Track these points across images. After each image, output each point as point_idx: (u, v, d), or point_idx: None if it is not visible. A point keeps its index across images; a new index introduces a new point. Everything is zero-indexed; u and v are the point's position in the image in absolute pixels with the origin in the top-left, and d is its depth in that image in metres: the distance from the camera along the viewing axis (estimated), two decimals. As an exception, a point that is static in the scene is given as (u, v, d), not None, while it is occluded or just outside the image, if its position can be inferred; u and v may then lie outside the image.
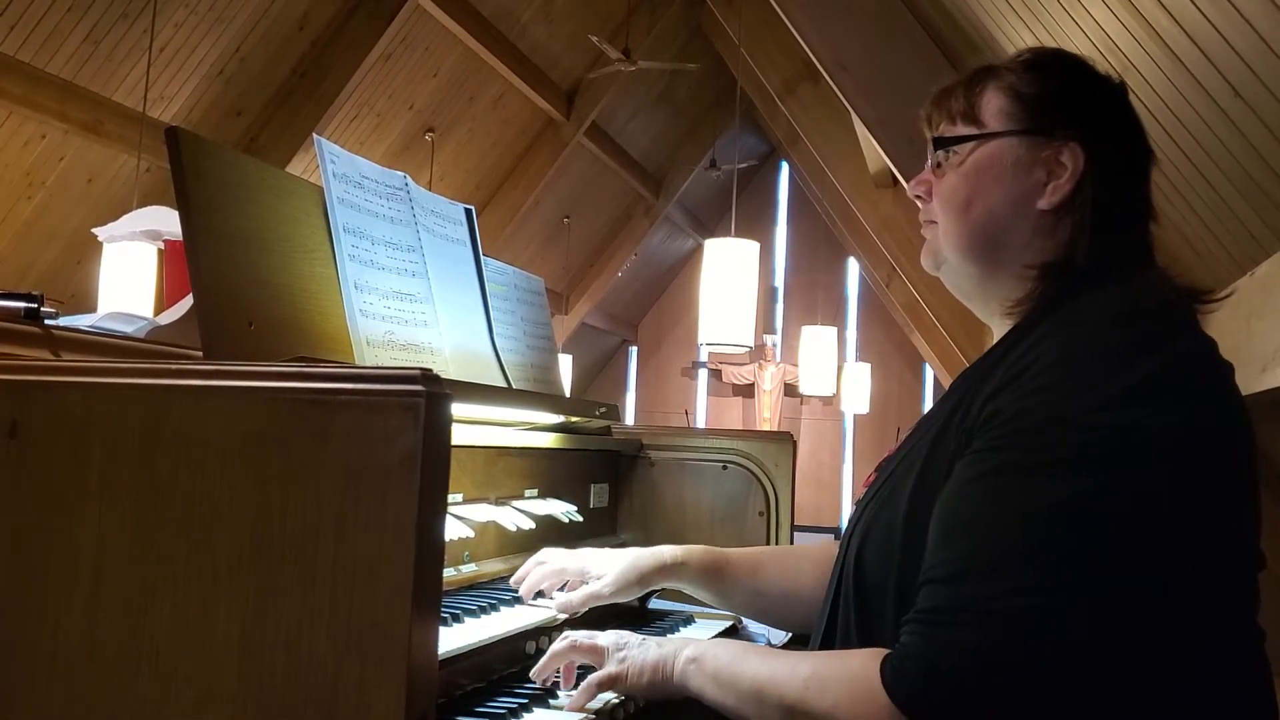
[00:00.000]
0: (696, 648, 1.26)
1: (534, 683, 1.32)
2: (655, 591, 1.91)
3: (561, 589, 1.59)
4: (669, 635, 1.72)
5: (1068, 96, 1.28)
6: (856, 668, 1.11)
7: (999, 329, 1.30)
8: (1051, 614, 1.02)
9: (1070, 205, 1.24)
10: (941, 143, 1.31)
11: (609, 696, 1.30)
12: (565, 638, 1.33)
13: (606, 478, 2.11)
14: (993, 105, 1.29)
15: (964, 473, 1.12)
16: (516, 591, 1.56)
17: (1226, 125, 2.42)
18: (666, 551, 1.61)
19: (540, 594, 1.57)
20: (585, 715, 1.25)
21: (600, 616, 1.68)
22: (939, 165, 1.32)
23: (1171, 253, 3.13)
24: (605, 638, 1.32)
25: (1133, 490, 1.04)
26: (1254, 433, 1.14)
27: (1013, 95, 1.28)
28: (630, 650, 1.29)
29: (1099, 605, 1.03)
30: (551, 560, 1.59)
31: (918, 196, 1.36)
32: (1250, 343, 2.74)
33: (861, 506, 1.31)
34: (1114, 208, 1.24)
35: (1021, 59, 1.32)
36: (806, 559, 1.63)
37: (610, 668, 1.28)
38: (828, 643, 1.29)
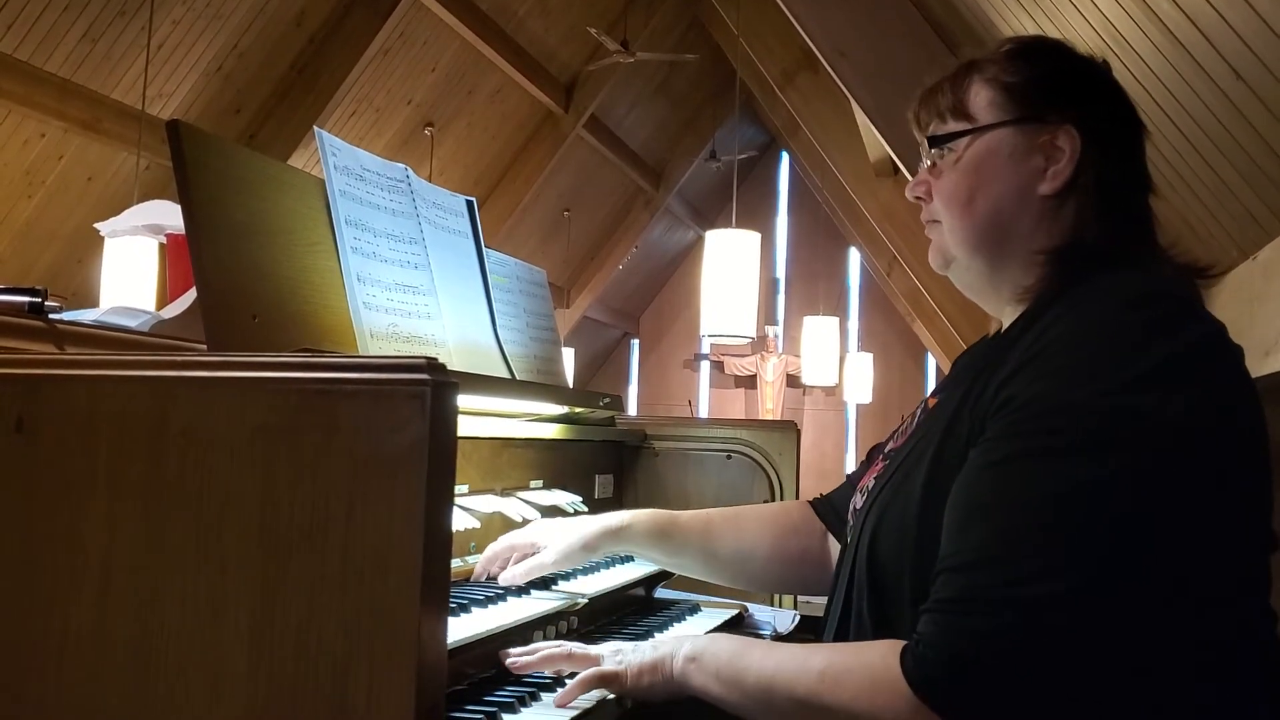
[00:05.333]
0: (694, 645, 1.24)
1: (544, 673, 1.31)
2: (660, 580, 1.92)
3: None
4: (673, 624, 1.72)
5: (1055, 81, 1.28)
6: (875, 658, 1.10)
7: (1009, 318, 1.30)
8: (1067, 598, 1.02)
9: (1072, 187, 1.24)
10: (936, 141, 1.31)
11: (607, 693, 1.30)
12: (562, 645, 1.32)
13: (611, 468, 2.11)
14: (981, 98, 1.29)
15: (978, 460, 1.11)
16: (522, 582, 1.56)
17: (1228, 108, 2.42)
18: (614, 517, 1.61)
19: (492, 577, 1.56)
20: (589, 704, 1.24)
21: (607, 605, 1.69)
22: (934, 165, 1.32)
23: (1173, 236, 3.13)
24: (600, 647, 1.31)
25: (1146, 475, 1.04)
26: (1264, 416, 1.14)
27: (1000, 86, 1.28)
28: (627, 654, 1.28)
29: (1114, 588, 1.02)
30: (501, 540, 1.59)
31: (918, 198, 1.35)
32: (1253, 327, 2.74)
33: (873, 494, 1.30)
34: (1115, 184, 1.25)
35: (1004, 49, 1.32)
36: (761, 519, 1.64)
37: (608, 666, 1.26)
38: (841, 632, 1.29)
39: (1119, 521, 1.03)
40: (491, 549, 1.58)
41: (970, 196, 1.28)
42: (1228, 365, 1.12)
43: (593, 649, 1.30)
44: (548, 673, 1.31)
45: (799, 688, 1.13)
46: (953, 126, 1.30)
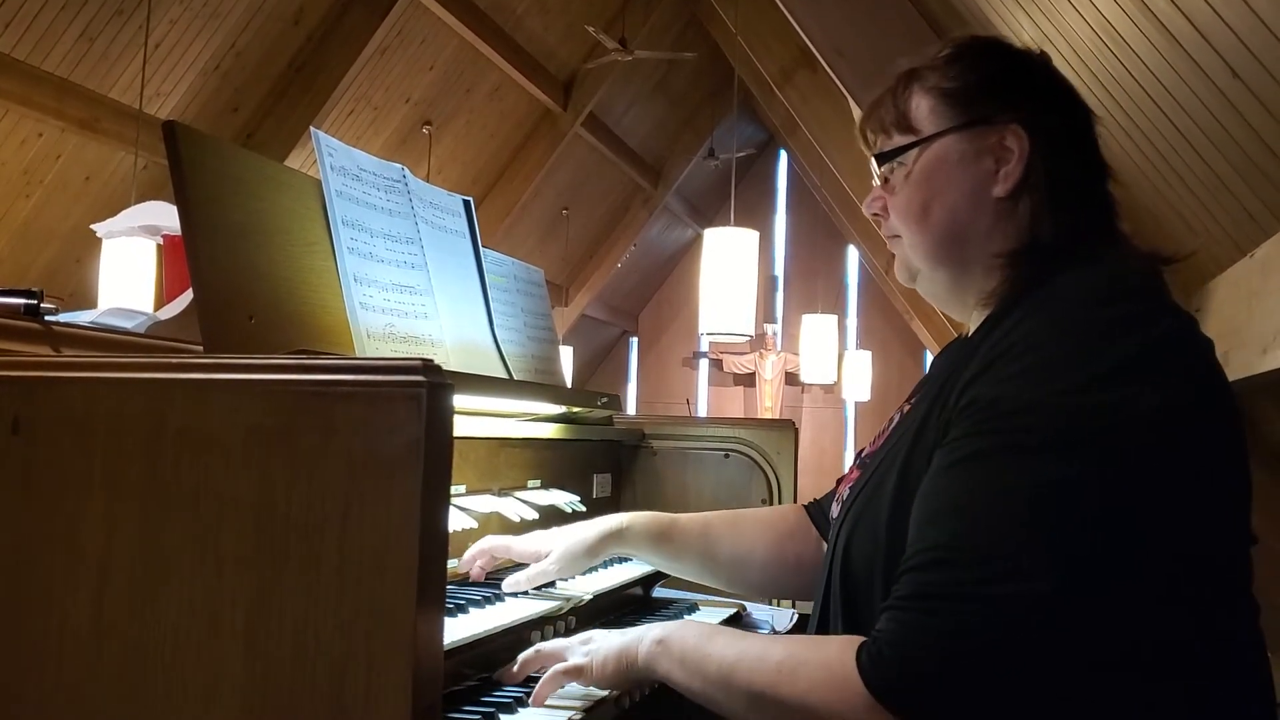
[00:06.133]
0: (663, 629, 1.23)
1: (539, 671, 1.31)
2: (657, 580, 1.92)
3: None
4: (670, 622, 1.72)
5: (995, 81, 1.27)
6: (832, 654, 1.08)
7: (976, 323, 1.28)
8: (1031, 599, 1.00)
9: (1025, 186, 1.23)
10: (883, 158, 1.30)
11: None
12: (535, 648, 1.31)
13: (609, 467, 2.11)
14: (923, 108, 1.28)
15: (941, 460, 1.10)
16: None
17: (1225, 106, 2.42)
18: (612, 520, 1.59)
19: (489, 578, 1.55)
20: (588, 704, 1.25)
21: (605, 605, 1.69)
22: (887, 180, 1.31)
23: (1170, 235, 3.13)
24: (571, 639, 1.31)
25: (1118, 471, 1.02)
26: (1238, 407, 1.12)
27: (940, 94, 1.27)
28: (594, 643, 1.27)
29: (1078, 589, 1.01)
30: (497, 545, 1.57)
31: (875, 215, 1.34)
32: (1250, 324, 2.74)
33: (847, 503, 1.29)
34: (1068, 177, 1.23)
35: (941, 55, 1.30)
36: (758, 524, 1.63)
37: (575, 659, 1.26)
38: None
39: (1090, 518, 1.02)
40: (486, 556, 1.56)
41: (925, 208, 1.27)
42: (1197, 358, 1.11)
43: (561, 641, 1.31)
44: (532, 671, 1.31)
45: (757, 678, 1.12)
46: (898, 140, 1.29)
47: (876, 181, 1.34)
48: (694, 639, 1.21)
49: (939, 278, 1.30)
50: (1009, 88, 1.26)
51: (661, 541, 1.61)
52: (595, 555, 1.58)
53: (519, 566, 1.59)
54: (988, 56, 1.30)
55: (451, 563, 1.52)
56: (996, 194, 1.24)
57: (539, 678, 1.29)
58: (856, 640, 1.08)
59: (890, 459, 1.22)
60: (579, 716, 1.21)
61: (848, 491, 1.33)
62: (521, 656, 1.31)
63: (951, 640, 1.02)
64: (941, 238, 1.27)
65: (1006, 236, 1.24)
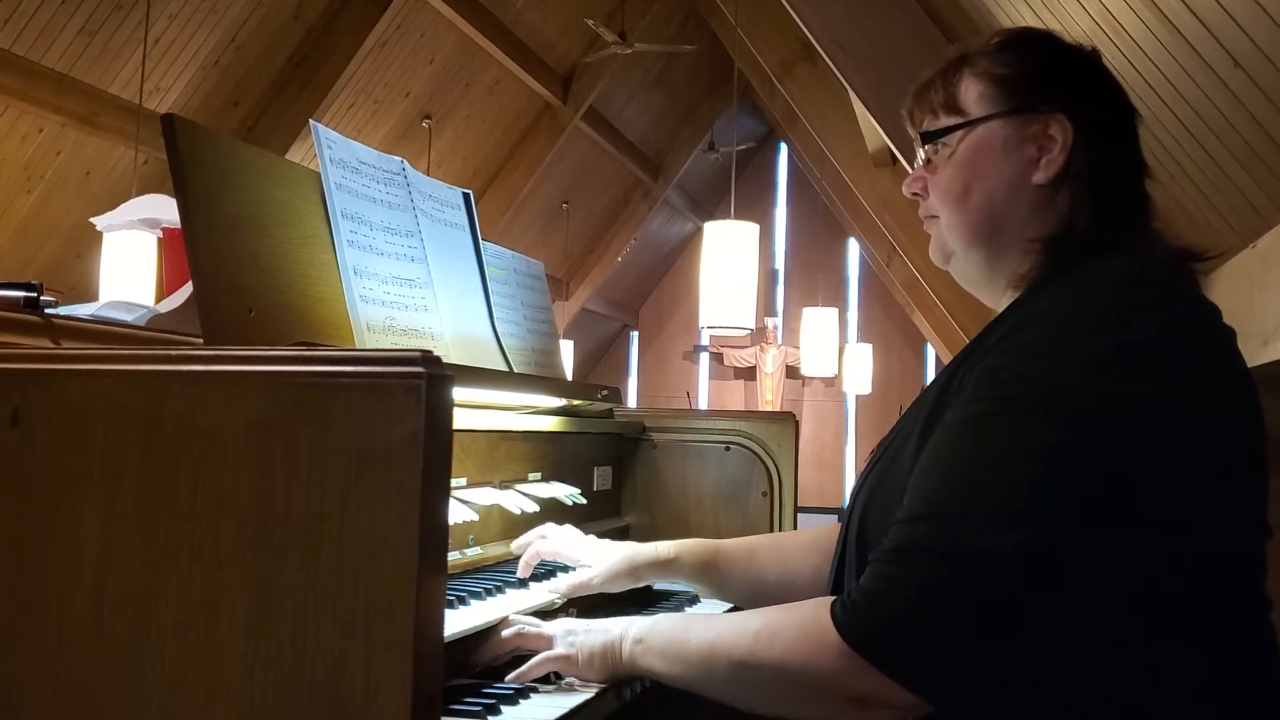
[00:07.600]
0: (640, 627, 1.26)
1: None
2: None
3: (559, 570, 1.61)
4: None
5: (1045, 71, 1.29)
6: (808, 612, 1.11)
7: (1004, 305, 1.30)
8: (998, 557, 1.02)
9: (1065, 175, 1.25)
10: (929, 136, 1.32)
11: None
12: (513, 625, 1.32)
13: (609, 460, 2.11)
14: (972, 92, 1.30)
15: (945, 422, 1.13)
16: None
17: (1227, 96, 2.41)
18: (661, 548, 1.60)
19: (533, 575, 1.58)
20: (589, 696, 1.24)
21: (606, 596, 1.69)
22: (929, 160, 1.33)
23: (1172, 226, 3.12)
24: (552, 626, 1.32)
25: (1110, 446, 1.03)
26: (1258, 400, 1.13)
27: (990, 79, 1.29)
28: (578, 636, 1.29)
29: (1045, 553, 1.02)
30: (550, 540, 1.60)
31: (915, 194, 1.36)
32: (1252, 316, 2.74)
33: (863, 477, 1.31)
34: (1108, 171, 1.26)
35: (993, 42, 1.33)
36: (802, 545, 1.62)
37: (560, 649, 1.28)
38: None
39: (1073, 489, 1.03)
40: (533, 551, 1.59)
41: (965, 190, 1.29)
42: (1208, 349, 1.12)
43: (545, 627, 1.32)
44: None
45: (736, 650, 1.15)
46: (945, 121, 1.31)
47: (920, 161, 1.36)
48: (671, 630, 1.23)
49: (973, 259, 1.31)
50: (1058, 79, 1.28)
51: (708, 571, 1.61)
52: (639, 579, 1.59)
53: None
54: (1039, 47, 1.32)
55: (454, 555, 1.52)
56: (1036, 181, 1.26)
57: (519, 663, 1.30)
58: (831, 598, 1.10)
59: (908, 431, 1.23)
60: (579, 710, 1.21)
61: (866, 465, 1.35)
62: (505, 633, 1.31)
63: (923, 591, 1.04)
64: (979, 220, 1.29)
65: (1045, 222, 1.26)
